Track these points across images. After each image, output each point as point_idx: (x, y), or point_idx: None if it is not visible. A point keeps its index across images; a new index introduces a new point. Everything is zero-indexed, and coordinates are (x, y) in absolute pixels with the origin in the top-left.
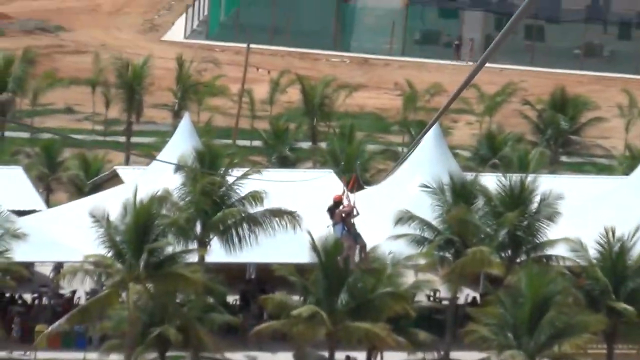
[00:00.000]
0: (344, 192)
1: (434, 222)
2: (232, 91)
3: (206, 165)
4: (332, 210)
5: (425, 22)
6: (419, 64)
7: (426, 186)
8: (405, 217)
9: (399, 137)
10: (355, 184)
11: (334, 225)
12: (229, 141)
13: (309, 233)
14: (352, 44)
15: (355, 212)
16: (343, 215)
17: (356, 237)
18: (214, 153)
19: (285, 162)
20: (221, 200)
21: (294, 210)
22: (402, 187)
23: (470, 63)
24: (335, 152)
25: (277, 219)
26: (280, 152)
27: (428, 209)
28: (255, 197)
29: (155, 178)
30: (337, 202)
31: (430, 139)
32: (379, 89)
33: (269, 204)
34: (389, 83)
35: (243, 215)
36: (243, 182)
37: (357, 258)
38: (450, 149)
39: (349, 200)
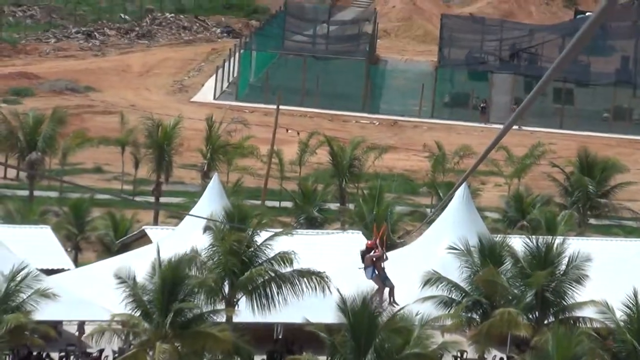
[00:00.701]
0: (375, 239)
1: (462, 284)
2: (262, 152)
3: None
4: (364, 255)
5: (455, 85)
6: (448, 126)
7: (454, 248)
8: (433, 279)
9: (427, 198)
10: (385, 233)
11: (365, 268)
12: (258, 201)
13: (339, 291)
14: (381, 106)
15: (385, 257)
16: (374, 259)
17: (385, 280)
18: (242, 213)
19: (313, 223)
20: (249, 261)
21: (322, 271)
22: (430, 249)
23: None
24: (363, 213)
25: (305, 279)
26: (309, 213)
27: (456, 271)
28: (284, 258)
29: (184, 238)
30: (369, 248)
31: (458, 201)
32: (407, 150)
33: (297, 265)
34: (418, 145)
35: (271, 274)
36: (272, 242)
37: (385, 299)
38: (479, 210)
39: (380, 247)
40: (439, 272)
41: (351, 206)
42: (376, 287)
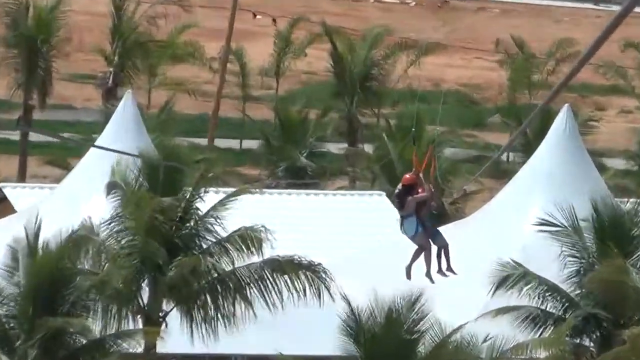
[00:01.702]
0: (416, 170)
1: (563, 286)
2: (210, 53)
3: (159, 183)
4: (401, 198)
5: None
6: (537, 10)
7: (547, 223)
8: (512, 277)
9: (501, 135)
10: (432, 159)
11: (404, 219)
12: (204, 140)
13: (345, 297)
14: None
15: (434, 199)
16: (418, 203)
17: (435, 237)
18: (174, 156)
19: (300, 177)
20: (186, 245)
21: (316, 263)
22: (505, 224)
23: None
24: (390, 161)
25: (286, 277)
26: (292, 158)
27: (552, 263)
28: (249, 239)
29: (69, 204)
30: (409, 186)
31: (554, 138)
32: (466, 50)
33: (272, 251)
34: (485, 41)
35: (224, 270)
36: (226, 211)
37: (435, 265)
38: (593, 155)
39: (425, 183)
40: (522, 264)
41: (367, 148)
42: (417, 252)
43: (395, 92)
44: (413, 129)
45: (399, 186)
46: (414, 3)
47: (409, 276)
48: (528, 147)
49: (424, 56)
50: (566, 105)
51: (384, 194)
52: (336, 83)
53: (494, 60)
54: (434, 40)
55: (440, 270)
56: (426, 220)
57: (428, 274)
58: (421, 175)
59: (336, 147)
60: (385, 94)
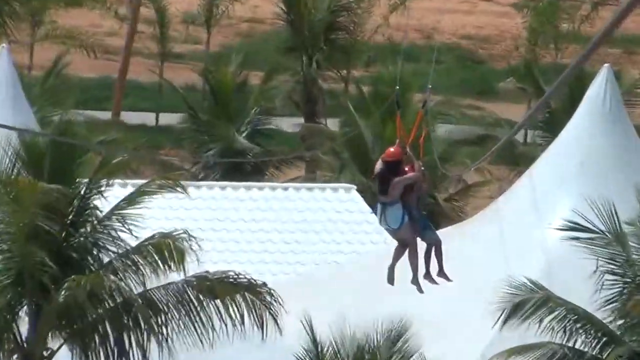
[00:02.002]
0: (401, 143)
1: (600, 315)
2: None
3: (45, 172)
4: (383, 179)
5: None
6: None
7: (578, 227)
8: (529, 302)
9: (517, 107)
10: (423, 128)
11: (386, 206)
12: (106, 114)
13: (307, 325)
14: None
15: (425, 182)
16: (405, 184)
17: (425, 229)
18: (66, 140)
19: (240, 165)
20: (80, 258)
21: (259, 282)
22: (519, 229)
23: None
24: (363, 141)
25: (218, 301)
26: (229, 140)
27: (583, 282)
28: (165, 249)
29: None
30: (394, 163)
31: (589, 113)
32: None
33: (197, 267)
34: None
35: (127, 294)
36: (136, 211)
37: (422, 266)
38: None
39: (415, 160)
40: (544, 285)
41: (331, 124)
42: (400, 249)
43: (371, 47)
44: (397, 87)
45: (379, 164)
46: None
47: (391, 280)
48: (553, 124)
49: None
50: (606, 65)
51: (354, 187)
52: (289, 35)
53: (507, 3)
54: None
55: (428, 275)
56: (414, 208)
57: (414, 280)
58: (409, 149)
59: (288, 124)
60: (356, 50)
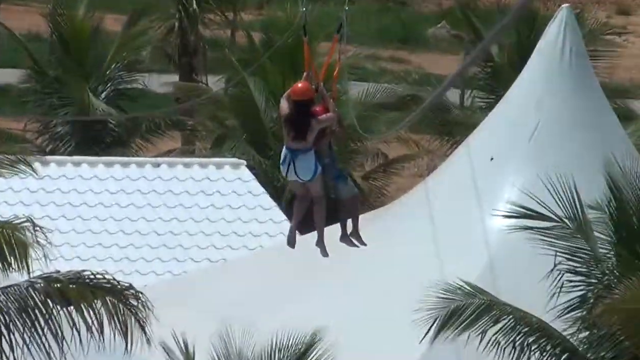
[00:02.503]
0: (308, 76)
1: (557, 324)
2: None
3: None
4: (292, 121)
5: None
6: None
7: (529, 213)
8: (466, 310)
9: (450, 58)
10: (337, 62)
11: (297, 154)
12: None
13: (181, 337)
14: None
15: (340, 125)
16: (321, 128)
17: (338, 180)
18: None
19: (98, 135)
20: None
21: (125, 283)
22: (454, 216)
23: None
24: (253, 107)
25: (71, 308)
26: (82, 103)
27: (535, 285)
28: (3, 241)
29: None
30: (303, 103)
31: (542, 67)
32: None
33: (50, 264)
34: None
35: None
36: None
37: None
38: (611, 96)
39: (326, 98)
40: (484, 288)
41: (213, 83)
42: (302, 204)
43: None
44: (303, 9)
45: (285, 103)
46: None
47: (291, 243)
48: (496, 82)
49: None
50: (565, 6)
51: (243, 163)
52: None
53: None
54: None
55: (345, 237)
56: (327, 157)
57: (319, 243)
58: (321, 84)
59: (159, 82)
60: None
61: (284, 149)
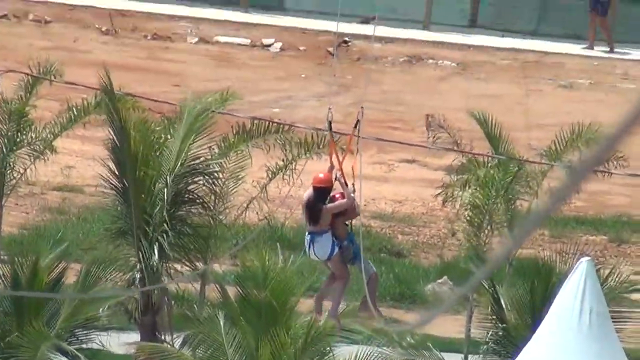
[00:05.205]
0: (332, 166)
1: None
2: None
3: None
4: (312, 208)
5: None
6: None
7: None
8: None
9: (457, 319)
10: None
11: (316, 236)
12: None
13: None
14: None
15: (357, 206)
16: (331, 213)
17: (356, 259)
18: None
19: None
20: None
21: None
22: None
23: None
24: None
25: None
26: None
27: None
28: None
29: None
30: (323, 190)
31: (559, 320)
32: (377, 160)
33: None
34: (416, 118)
35: None
36: None
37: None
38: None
39: (344, 187)
40: None
41: (177, 342)
42: (331, 279)
43: (240, 229)
44: (329, 107)
45: (308, 191)
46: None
47: (319, 309)
48: (509, 343)
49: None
50: (585, 259)
51: None
52: (121, 210)
53: (438, 166)
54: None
55: (363, 308)
56: (345, 238)
57: (332, 315)
58: (339, 174)
59: (118, 341)
60: (218, 236)
61: (306, 234)
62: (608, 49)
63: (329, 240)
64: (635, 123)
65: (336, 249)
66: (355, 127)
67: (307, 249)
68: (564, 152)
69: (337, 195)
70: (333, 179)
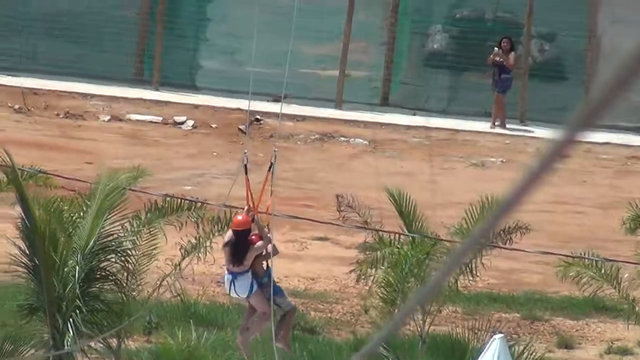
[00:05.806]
0: (249, 208)
1: None
2: None
3: None
4: (234, 248)
5: None
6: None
7: None
8: None
9: None
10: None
11: (237, 275)
12: None
13: None
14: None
15: (273, 247)
16: (260, 251)
17: (277, 295)
18: None
19: None
20: None
21: None
22: None
23: None
24: None
25: None
26: None
27: None
28: None
29: None
30: (243, 232)
31: None
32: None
33: None
34: (326, 201)
35: None
36: None
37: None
38: None
39: (260, 227)
40: None
41: None
42: (251, 313)
43: (154, 306)
44: (245, 152)
45: (228, 233)
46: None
47: (245, 345)
48: None
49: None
50: (497, 337)
51: None
52: (32, 288)
53: (351, 244)
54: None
55: (278, 339)
56: (264, 275)
57: (243, 343)
58: (257, 216)
59: None
60: (130, 312)
61: (226, 274)
62: (501, 125)
63: (248, 278)
64: (522, 195)
65: (255, 287)
66: (269, 170)
67: (227, 289)
68: (474, 229)
69: (253, 237)
70: (250, 221)
